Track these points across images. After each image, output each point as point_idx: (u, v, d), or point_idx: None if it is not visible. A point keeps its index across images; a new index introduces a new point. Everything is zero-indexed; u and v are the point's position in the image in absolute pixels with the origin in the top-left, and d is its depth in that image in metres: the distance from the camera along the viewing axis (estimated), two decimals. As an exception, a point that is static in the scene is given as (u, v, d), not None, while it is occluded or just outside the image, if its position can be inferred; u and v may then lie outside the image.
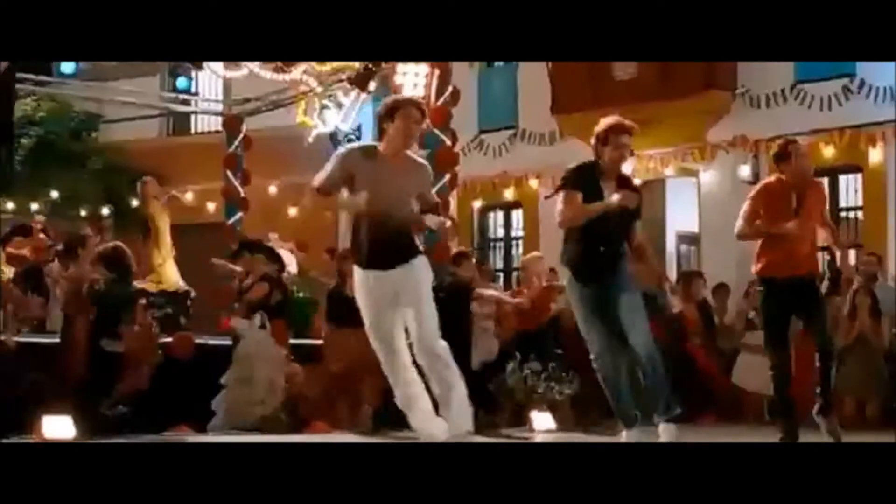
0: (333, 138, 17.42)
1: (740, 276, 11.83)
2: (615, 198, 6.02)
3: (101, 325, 7.66)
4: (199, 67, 12.40)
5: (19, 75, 14.94)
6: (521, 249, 15.46)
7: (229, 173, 14.91)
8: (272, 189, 17.14)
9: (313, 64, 10.98)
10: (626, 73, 13.81)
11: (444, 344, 5.47)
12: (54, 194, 17.60)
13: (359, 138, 17.54)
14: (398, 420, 6.05)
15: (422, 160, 5.75)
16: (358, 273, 5.51)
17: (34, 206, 17.23)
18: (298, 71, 11.11)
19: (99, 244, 9.54)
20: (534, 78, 14.89)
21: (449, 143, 11.50)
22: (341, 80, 11.95)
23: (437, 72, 11.20)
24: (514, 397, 8.34)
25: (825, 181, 13.34)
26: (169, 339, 8.63)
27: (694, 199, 14.13)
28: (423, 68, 11.19)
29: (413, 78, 11.18)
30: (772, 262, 6.68)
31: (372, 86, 11.86)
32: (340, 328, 8.19)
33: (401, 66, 11.13)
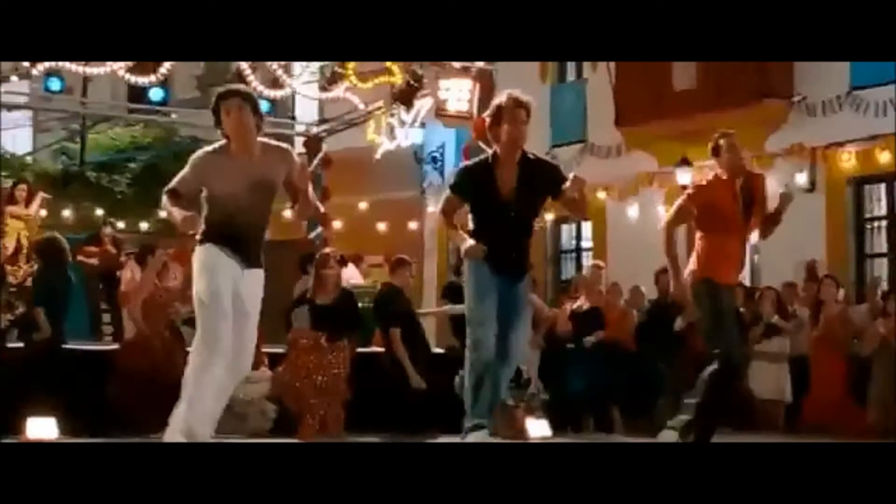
0: (416, 155, 18.25)
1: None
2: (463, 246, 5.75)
3: (30, 318, 8.07)
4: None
5: (130, 105, 16.18)
6: (589, 261, 15.80)
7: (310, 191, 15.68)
8: (362, 205, 17.91)
9: (355, 82, 11.60)
10: (685, 83, 14.06)
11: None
12: (162, 214, 18.69)
13: (442, 156, 18.28)
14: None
15: (282, 145, 5.46)
16: (211, 249, 5.16)
17: (144, 226, 18.48)
18: (341, 89, 11.75)
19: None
20: (601, 93, 15.28)
21: (493, 154, 12.02)
22: (400, 100, 12.49)
23: (478, 86, 11.78)
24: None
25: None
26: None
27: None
28: (466, 83, 11.77)
29: (457, 93, 11.76)
30: (717, 267, 6.39)
31: (423, 105, 12.41)
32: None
33: (443, 82, 11.72)
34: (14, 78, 14.37)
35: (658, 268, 11.97)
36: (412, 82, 11.55)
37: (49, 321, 8.06)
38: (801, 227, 12.97)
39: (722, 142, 6.52)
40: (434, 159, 18.10)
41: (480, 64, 12.05)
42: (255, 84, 11.54)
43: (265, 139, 5.37)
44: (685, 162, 14.10)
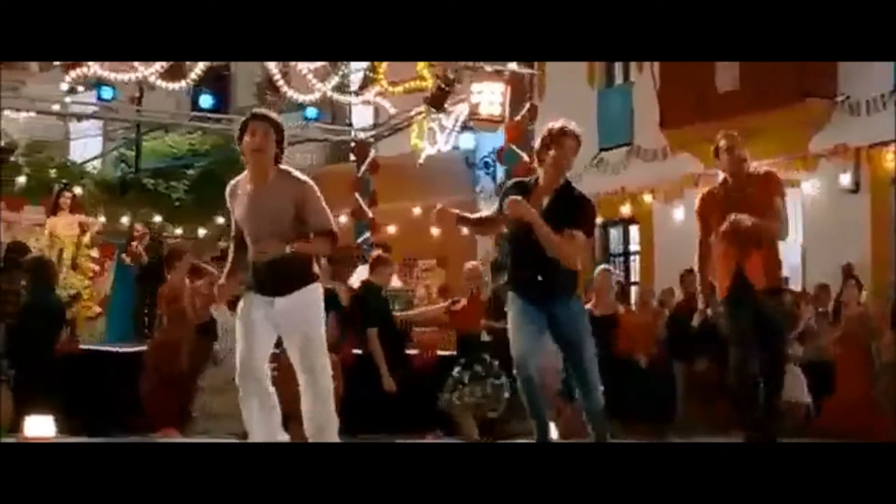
0: (468, 160, 18.35)
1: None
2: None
3: (25, 336, 8.15)
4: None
5: (191, 113, 16.51)
6: (637, 264, 15.81)
7: (358, 196, 15.88)
8: (416, 210, 18.03)
9: (386, 86, 11.70)
10: (728, 85, 13.95)
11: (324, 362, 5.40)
12: (220, 220, 19.07)
13: (494, 161, 18.31)
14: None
15: (301, 178, 5.29)
16: (245, 299, 5.34)
17: (202, 231, 18.84)
18: (371, 94, 11.87)
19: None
20: (648, 96, 15.23)
21: (527, 158, 12.04)
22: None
23: (510, 89, 11.82)
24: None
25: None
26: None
27: (798, 210, 14.05)
28: (498, 86, 11.80)
29: (489, 96, 11.77)
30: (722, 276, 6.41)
31: (463, 110, 12.47)
32: None
33: (476, 86, 11.78)
34: (80, 87, 14.94)
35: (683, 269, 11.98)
36: (443, 86, 11.62)
37: (41, 334, 8.23)
38: (846, 228, 12.86)
39: (721, 143, 6.41)
40: (486, 164, 18.16)
41: (513, 66, 12.11)
42: (286, 89, 11.73)
43: (287, 168, 5.33)
44: (728, 163, 14.01)
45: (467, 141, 17.94)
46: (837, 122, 13.49)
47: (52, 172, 17.17)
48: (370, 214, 15.86)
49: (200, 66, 11.17)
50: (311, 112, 15.03)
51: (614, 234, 16.60)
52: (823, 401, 9.38)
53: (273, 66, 11.23)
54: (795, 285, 12.86)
